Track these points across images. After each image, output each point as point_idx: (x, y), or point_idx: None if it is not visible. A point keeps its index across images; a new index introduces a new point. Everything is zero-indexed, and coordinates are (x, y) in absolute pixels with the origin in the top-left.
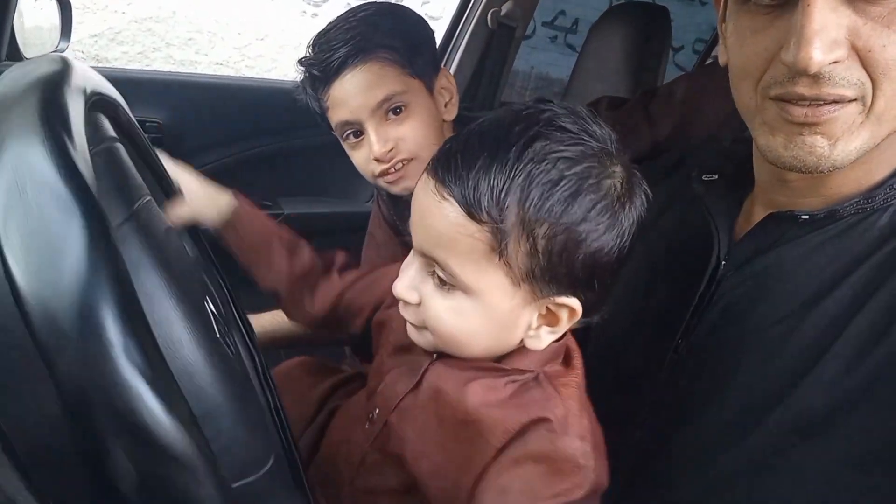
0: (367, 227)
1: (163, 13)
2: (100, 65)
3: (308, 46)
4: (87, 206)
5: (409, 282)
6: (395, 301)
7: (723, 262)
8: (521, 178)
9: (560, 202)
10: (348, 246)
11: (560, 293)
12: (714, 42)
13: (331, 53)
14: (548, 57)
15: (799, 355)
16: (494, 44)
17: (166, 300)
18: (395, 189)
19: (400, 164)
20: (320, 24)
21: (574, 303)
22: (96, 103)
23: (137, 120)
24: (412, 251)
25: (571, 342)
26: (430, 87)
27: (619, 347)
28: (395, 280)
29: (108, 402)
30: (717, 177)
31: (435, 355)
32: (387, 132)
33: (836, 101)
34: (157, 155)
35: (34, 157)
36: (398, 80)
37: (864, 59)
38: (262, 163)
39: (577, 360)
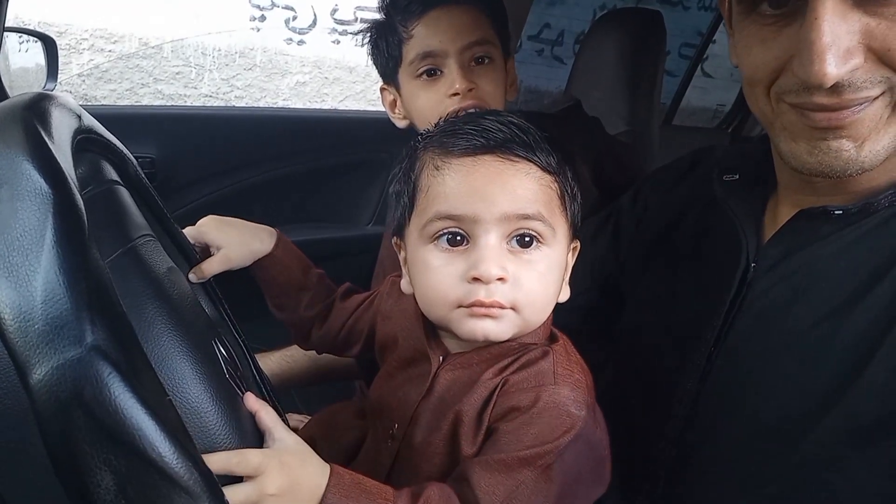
0: (368, 251)
1: (149, 49)
2: (89, 103)
3: None
4: (63, 209)
5: (496, 259)
6: (396, 308)
7: (752, 265)
8: (560, 152)
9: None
10: (351, 270)
11: (575, 236)
12: (704, 47)
13: None
14: (536, 70)
15: (844, 358)
16: None
17: (166, 333)
18: None
19: (474, 110)
20: (307, 51)
21: (578, 243)
22: (87, 135)
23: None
24: (481, 232)
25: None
26: (505, 60)
27: (647, 358)
28: (387, 291)
29: (91, 416)
30: (737, 176)
31: (441, 358)
32: (469, 73)
33: (859, 104)
34: (155, 194)
35: (15, 163)
36: (491, 32)
37: (883, 58)
38: (259, 192)
39: (559, 333)
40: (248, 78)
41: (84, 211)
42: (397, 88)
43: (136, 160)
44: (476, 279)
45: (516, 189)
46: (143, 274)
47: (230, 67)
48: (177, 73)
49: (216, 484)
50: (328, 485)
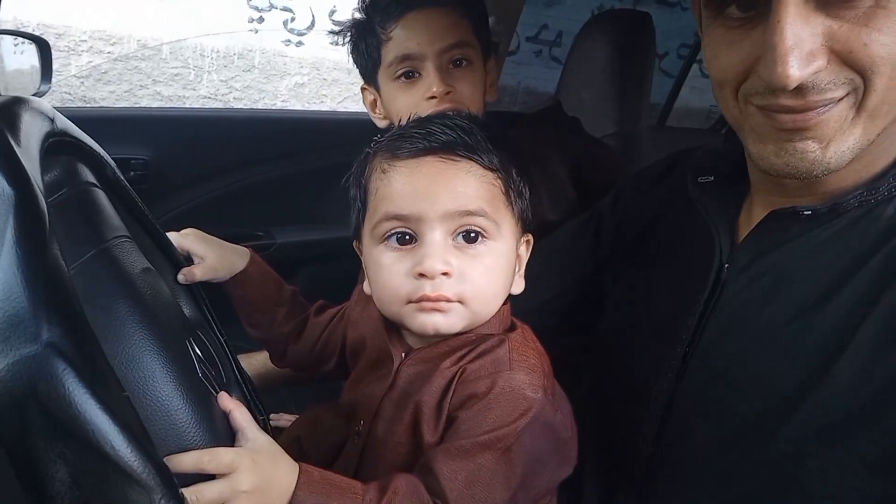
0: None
1: (148, 51)
2: (86, 105)
3: None
4: (24, 210)
5: (440, 255)
6: (363, 314)
7: (726, 265)
8: (503, 150)
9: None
10: (343, 272)
11: (526, 231)
12: (698, 47)
13: None
14: (533, 71)
15: (813, 357)
16: None
17: (137, 332)
18: None
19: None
20: (305, 52)
21: (530, 237)
22: (61, 138)
23: (123, 158)
24: (427, 230)
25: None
26: (485, 61)
27: (624, 359)
28: (356, 300)
29: (45, 411)
30: (712, 178)
31: (404, 355)
32: (447, 76)
33: (824, 105)
34: (136, 197)
35: None
36: (470, 34)
37: (846, 60)
38: (253, 193)
39: (518, 323)
40: (247, 79)
41: (45, 212)
42: (377, 89)
43: (130, 162)
44: (422, 275)
45: (457, 187)
46: (116, 274)
47: (229, 69)
48: (175, 75)
49: (171, 477)
50: (298, 482)
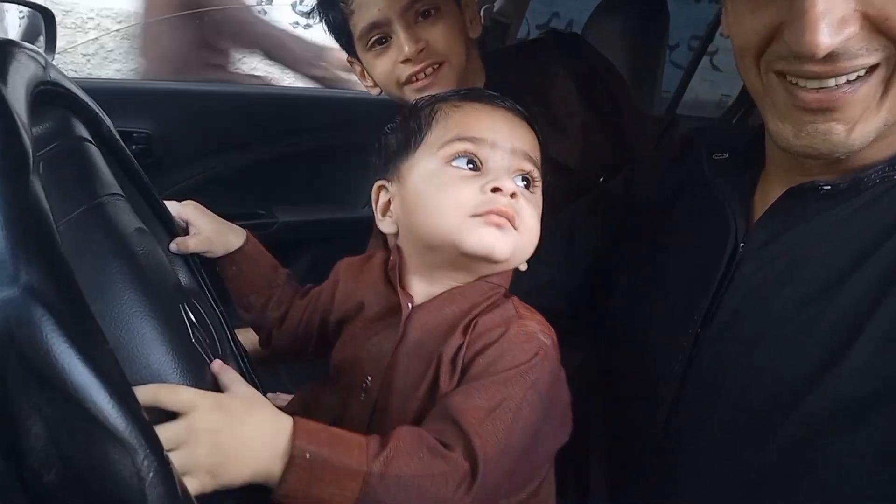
0: (364, 234)
1: None
2: (90, 77)
3: None
4: (5, 145)
5: (511, 179)
6: (357, 281)
7: (741, 245)
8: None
9: None
10: (345, 253)
11: None
12: (709, 39)
13: None
14: None
15: (829, 339)
16: (488, 41)
17: (128, 291)
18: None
19: (430, 69)
20: (313, 35)
21: None
22: (53, 88)
23: (125, 131)
24: (498, 157)
25: None
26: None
27: (637, 342)
28: (344, 270)
29: (22, 358)
30: (727, 155)
31: (410, 305)
32: (417, 33)
33: (850, 83)
34: (132, 158)
35: None
36: None
37: (881, 27)
38: (256, 171)
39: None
40: (253, 61)
41: (29, 150)
42: (359, 59)
43: (133, 135)
44: (497, 189)
45: (525, 135)
46: (108, 231)
47: None
48: None
49: (155, 436)
50: (295, 430)
